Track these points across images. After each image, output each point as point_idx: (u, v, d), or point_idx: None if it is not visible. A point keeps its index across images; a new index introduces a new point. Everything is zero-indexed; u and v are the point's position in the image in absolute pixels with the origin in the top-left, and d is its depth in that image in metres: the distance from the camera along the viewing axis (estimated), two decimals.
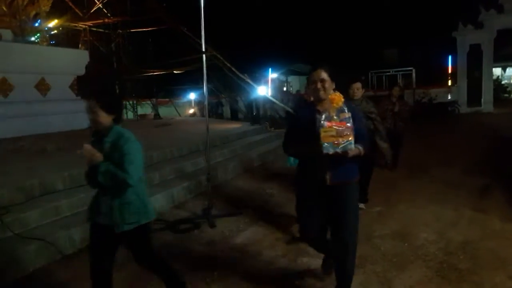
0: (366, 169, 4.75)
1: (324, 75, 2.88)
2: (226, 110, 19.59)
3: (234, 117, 17.81)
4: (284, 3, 30.20)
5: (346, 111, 2.76)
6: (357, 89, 4.80)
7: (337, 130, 2.70)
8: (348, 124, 2.72)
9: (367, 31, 30.53)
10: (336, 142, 2.69)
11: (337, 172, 2.89)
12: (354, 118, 2.78)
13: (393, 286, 3.40)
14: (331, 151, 2.69)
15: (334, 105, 2.80)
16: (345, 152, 2.70)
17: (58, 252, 3.97)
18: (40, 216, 4.34)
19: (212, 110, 18.93)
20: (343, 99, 2.88)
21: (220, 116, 19.07)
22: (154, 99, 17.57)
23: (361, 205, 4.88)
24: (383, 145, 5.19)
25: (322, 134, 2.69)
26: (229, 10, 26.70)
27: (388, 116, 7.21)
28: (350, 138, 2.70)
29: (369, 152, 4.17)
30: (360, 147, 2.82)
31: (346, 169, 2.91)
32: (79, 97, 10.82)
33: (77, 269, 3.69)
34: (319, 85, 2.88)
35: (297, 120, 3.13)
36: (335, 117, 2.74)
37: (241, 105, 16.83)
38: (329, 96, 2.86)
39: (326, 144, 2.69)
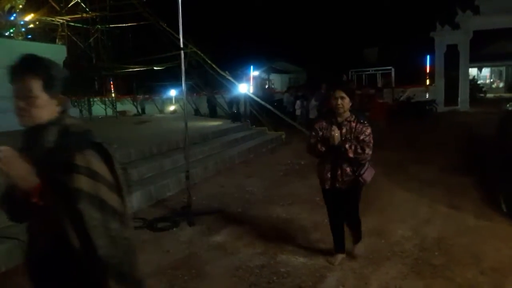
0: None
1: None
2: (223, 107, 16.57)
3: (213, 114, 17.51)
4: (266, 1, 30.24)
5: None
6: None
7: None
8: None
9: (348, 30, 30.81)
10: None
11: None
12: None
13: (369, 282, 3.45)
14: None
15: None
16: None
17: None
18: None
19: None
20: None
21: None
22: (140, 96, 17.18)
23: None
24: None
25: None
26: (211, 7, 26.58)
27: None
28: None
29: None
30: None
31: None
32: None
33: None
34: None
35: None
36: None
37: (221, 102, 16.64)
38: None
39: None
